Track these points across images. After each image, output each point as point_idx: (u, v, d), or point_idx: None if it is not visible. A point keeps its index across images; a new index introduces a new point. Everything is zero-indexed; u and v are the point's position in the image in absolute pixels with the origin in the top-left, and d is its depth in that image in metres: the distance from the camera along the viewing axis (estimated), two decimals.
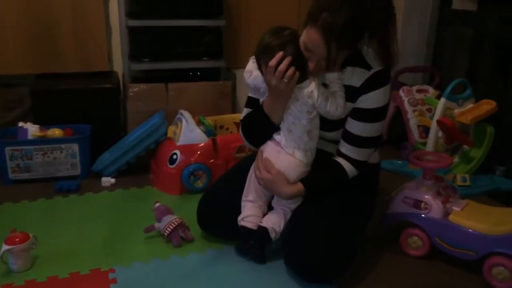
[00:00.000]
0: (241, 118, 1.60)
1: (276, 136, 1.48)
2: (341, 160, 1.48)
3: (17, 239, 1.46)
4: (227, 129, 2.38)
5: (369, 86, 1.40)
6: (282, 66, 1.33)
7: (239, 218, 1.54)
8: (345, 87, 1.43)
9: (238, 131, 2.35)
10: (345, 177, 1.48)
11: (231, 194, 1.61)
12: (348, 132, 1.46)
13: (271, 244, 1.53)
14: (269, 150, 1.49)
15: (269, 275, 1.48)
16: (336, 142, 1.51)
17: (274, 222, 1.50)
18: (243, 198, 1.57)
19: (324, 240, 1.39)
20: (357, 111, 1.43)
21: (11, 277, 1.45)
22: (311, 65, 1.35)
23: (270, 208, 1.57)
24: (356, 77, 1.42)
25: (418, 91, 2.51)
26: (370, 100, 1.41)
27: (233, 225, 1.60)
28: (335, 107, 1.41)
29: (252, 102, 1.57)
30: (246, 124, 1.56)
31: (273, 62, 1.33)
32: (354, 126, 1.45)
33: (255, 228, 1.51)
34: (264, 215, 1.55)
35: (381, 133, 1.49)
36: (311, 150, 1.47)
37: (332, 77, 1.40)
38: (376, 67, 1.41)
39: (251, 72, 1.49)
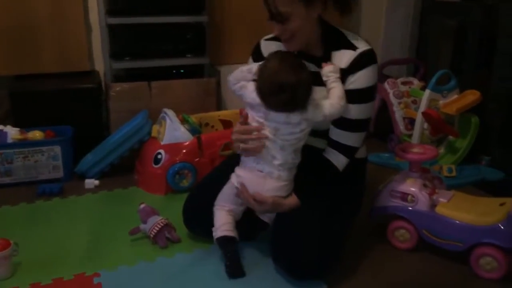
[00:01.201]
0: None
1: (257, 166, 1.43)
2: (330, 154, 1.46)
3: None
4: (212, 126, 2.35)
5: (356, 66, 1.39)
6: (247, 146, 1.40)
7: (215, 234, 1.48)
8: None
9: (224, 128, 2.33)
10: (336, 172, 1.46)
11: (217, 193, 1.59)
12: (340, 117, 1.44)
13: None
14: (254, 181, 1.43)
15: (257, 273, 1.46)
16: (325, 136, 1.50)
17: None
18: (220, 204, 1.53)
19: (312, 237, 1.38)
20: (347, 94, 1.41)
21: None
22: (276, 32, 1.39)
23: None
24: (342, 58, 1.41)
25: (403, 83, 2.51)
26: (358, 80, 1.39)
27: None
28: (335, 107, 1.38)
29: None
30: None
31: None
32: (346, 110, 1.43)
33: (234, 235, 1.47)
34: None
35: (370, 115, 1.47)
36: (296, 165, 1.45)
37: (327, 71, 1.39)
38: (362, 47, 1.40)
39: (239, 81, 1.43)
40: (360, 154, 1.59)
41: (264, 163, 1.41)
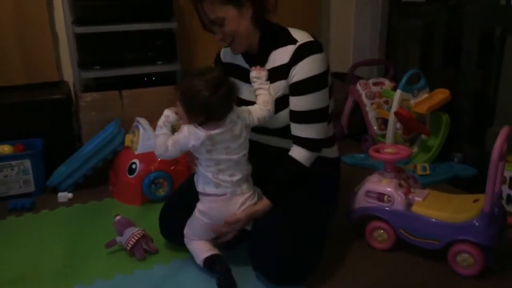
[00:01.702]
0: None
1: (217, 190, 1.42)
2: (293, 151, 1.46)
3: None
4: None
5: (296, 57, 1.41)
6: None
7: (200, 259, 1.46)
8: (276, 68, 1.44)
9: None
10: (302, 167, 1.46)
11: (193, 202, 1.57)
12: (292, 111, 1.45)
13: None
14: (221, 208, 1.42)
15: (238, 281, 1.44)
16: (279, 133, 1.51)
17: None
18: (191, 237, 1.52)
19: (290, 242, 1.37)
20: (293, 86, 1.43)
21: None
22: (217, 37, 1.43)
23: None
24: (283, 54, 1.43)
25: (375, 84, 2.55)
26: (300, 71, 1.41)
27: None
28: (263, 111, 1.43)
29: None
30: None
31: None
32: (296, 103, 1.44)
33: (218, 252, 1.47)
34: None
35: (327, 104, 1.46)
36: (249, 172, 1.46)
37: (252, 76, 1.45)
38: (303, 40, 1.42)
39: (165, 143, 1.42)
40: (332, 153, 1.60)
41: (224, 185, 1.41)
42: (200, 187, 1.45)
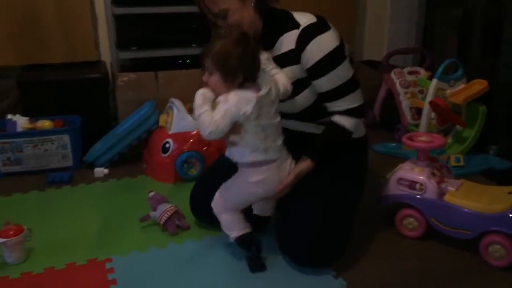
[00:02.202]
0: None
1: (267, 157, 1.37)
2: (336, 117, 1.46)
3: (11, 232, 1.44)
4: None
5: (302, 42, 1.40)
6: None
7: (234, 235, 1.45)
8: (285, 54, 1.43)
9: None
10: (347, 131, 1.46)
11: (222, 182, 1.60)
12: (321, 93, 1.44)
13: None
14: (274, 176, 1.39)
15: (267, 261, 1.47)
16: (298, 117, 1.52)
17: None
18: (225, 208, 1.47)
19: (318, 225, 1.38)
20: (310, 71, 1.42)
21: (7, 269, 1.44)
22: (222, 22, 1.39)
23: None
24: (289, 39, 1.42)
25: (410, 73, 2.51)
26: (311, 55, 1.39)
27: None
28: (287, 85, 1.40)
29: None
30: None
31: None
32: (320, 85, 1.43)
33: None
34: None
35: (352, 74, 1.45)
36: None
37: (266, 57, 1.39)
38: (306, 22, 1.41)
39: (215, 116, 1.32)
40: (359, 133, 1.59)
41: (271, 151, 1.39)
42: (248, 158, 1.37)
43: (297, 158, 1.47)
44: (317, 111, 1.50)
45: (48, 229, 1.66)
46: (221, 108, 1.28)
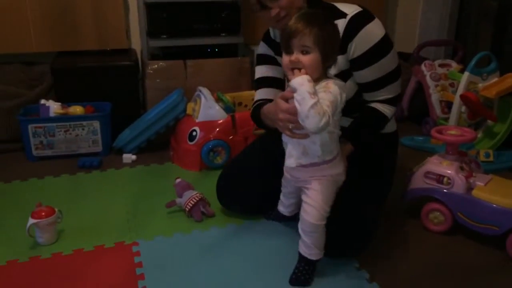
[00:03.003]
0: (254, 101, 1.58)
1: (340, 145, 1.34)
2: (372, 104, 1.45)
3: (43, 213, 1.49)
4: (245, 105, 2.37)
5: (350, 32, 1.37)
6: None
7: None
8: None
9: None
10: (384, 116, 1.44)
11: (250, 170, 1.61)
12: (363, 84, 1.43)
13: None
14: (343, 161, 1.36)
15: (289, 249, 1.48)
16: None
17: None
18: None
19: (345, 214, 1.38)
20: (356, 61, 1.39)
21: (38, 250, 1.49)
22: (273, 12, 1.35)
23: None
24: None
25: (441, 65, 2.46)
26: (360, 45, 1.37)
27: (251, 201, 1.62)
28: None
29: (265, 82, 1.57)
30: (254, 115, 1.55)
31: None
32: (365, 75, 1.41)
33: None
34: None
35: (397, 64, 1.44)
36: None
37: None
38: (352, 12, 1.39)
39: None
40: (390, 128, 1.57)
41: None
42: (332, 152, 1.29)
43: None
44: (353, 104, 1.46)
45: (77, 212, 1.71)
46: (326, 97, 1.18)
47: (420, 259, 1.46)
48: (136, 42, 2.65)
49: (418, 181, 1.62)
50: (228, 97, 2.27)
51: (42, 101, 2.19)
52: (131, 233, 1.58)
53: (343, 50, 1.38)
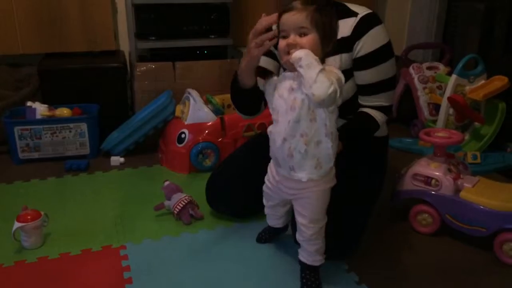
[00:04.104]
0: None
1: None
2: (365, 109, 1.45)
3: (28, 217, 1.47)
4: (234, 108, 2.36)
5: (360, 31, 1.39)
6: (258, 26, 1.21)
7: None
8: (337, 41, 1.37)
9: None
10: (374, 121, 1.44)
11: (239, 173, 1.61)
12: (361, 85, 1.43)
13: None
14: None
15: (279, 251, 1.48)
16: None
17: None
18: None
19: (333, 217, 1.38)
20: (359, 60, 1.40)
21: (24, 254, 1.47)
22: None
23: None
24: (344, 27, 1.39)
25: (429, 68, 2.48)
26: (366, 45, 1.39)
27: (241, 203, 1.61)
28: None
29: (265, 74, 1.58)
30: (232, 91, 1.50)
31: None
32: (364, 77, 1.42)
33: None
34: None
35: (394, 73, 1.46)
36: None
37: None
38: (363, 12, 1.40)
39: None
40: (382, 132, 1.58)
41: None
42: (332, 159, 1.21)
43: None
44: (349, 106, 1.48)
45: (64, 215, 1.69)
46: (332, 73, 1.10)
47: (408, 260, 1.47)
48: (124, 43, 2.63)
49: (407, 183, 1.63)
50: (217, 99, 2.26)
51: (29, 103, 2.16)
52: (118, 237, 1.56)
53: (349, 49, 1.40)
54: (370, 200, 1.53)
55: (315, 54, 1.11)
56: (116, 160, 2.14)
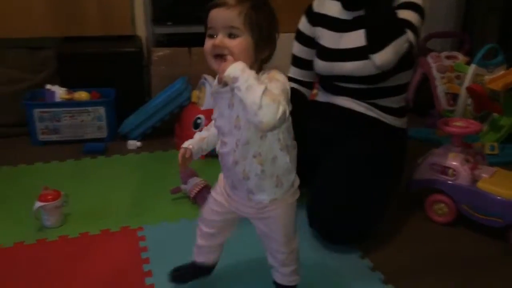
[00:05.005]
0: (288, 76, 1.61)
1: None
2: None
3: (49, 197, 1.50)
4: None
5: None
6: None
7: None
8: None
9: None
10: (403, 33, 1.39)
11: None
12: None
13: None
14: None
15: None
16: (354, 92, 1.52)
17: None
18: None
19: (349, 202, 1.39)
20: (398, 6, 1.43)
21: (45, 232, 1.51)
22: None
23: None
24: None
25: (447, 57, 2.45)
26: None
27: None
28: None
29: (297, 62, 1.62)
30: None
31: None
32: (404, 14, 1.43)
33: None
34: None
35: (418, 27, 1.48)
36: None
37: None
38: None
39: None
40: (400, 123, 1.60)
41: None
42: (294, 175, 1.07)
43: (344, 138, 1.51)
44: (376, 89, 1.51)
45: (83, 196, 1.72)
46: (274, 85, 0.90)
47: (423, 249, 1.47)
48: (141, 28, 2.64)
49: (423, 172, 1.63)
50: None
51: (48, 86, 2.19)
52: (136, 218, 1.59)
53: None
54: (386, 190, 1.52)
55: (246, 61, 0.91)
56: (133, 144, 2.17)
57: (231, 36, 0.92)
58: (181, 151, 1.14)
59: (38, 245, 1.44)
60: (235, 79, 0.88)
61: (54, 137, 2.17)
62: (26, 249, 1.42)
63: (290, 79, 1.67)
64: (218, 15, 0.93)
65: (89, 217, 1.59)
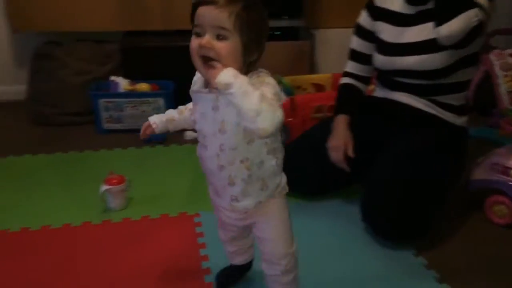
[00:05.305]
0: (344, 71, 1.65)
1: None
2: None
3: (114, 181, 1.60)
4: (304, 89, 2.37)
5: None
6: None
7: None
8: None
9: (316, 91, 2.35)
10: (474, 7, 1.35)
11: (310, 152, 1.64)
12: None
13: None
14: None
15: (346, 231, 1.50)
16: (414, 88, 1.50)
17: None
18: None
19: (407, 198, 1.38)
20: None
21: (110, 214, 1.61)
22: None
23: None
24: None
25: (511, 55, 2.35)
26: None
27: (311, 182, 1.64)
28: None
29: (356, 56, 1.62)
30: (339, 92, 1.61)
31: None
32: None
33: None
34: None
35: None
36: None
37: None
38: None
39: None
40: (460, 122, 1.57)
41: None
42: (283, 177, 1.06)
43: (402, 134, 1.51)
44: (436, 85, 1.49)
45: (144, 182, 1.81)
46: (266, 89, 0.87)
47: (479, 250, 1.43)
48: None
49: (484, 172, 1.58)
50: (287, 80, 2.28)
51: (112, 78, 2.31)
52: (193, 205, 1.65)
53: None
54: (447, 184, 1.50)
55: (234, 65, 0.88)
56: (190, 135, 2.24)
57: (219, 37, 0.88)
58: (145, 124, 1.19)
59: (103, 225, 1.54)
60: (228, 86, 0.84)
61: (117, 126, 2.28)
62: (92, 229, 1.53)
63: (347, 74, 1.67)
64: (206, 14, 0.87)
65: (149, 202, 1.67)
